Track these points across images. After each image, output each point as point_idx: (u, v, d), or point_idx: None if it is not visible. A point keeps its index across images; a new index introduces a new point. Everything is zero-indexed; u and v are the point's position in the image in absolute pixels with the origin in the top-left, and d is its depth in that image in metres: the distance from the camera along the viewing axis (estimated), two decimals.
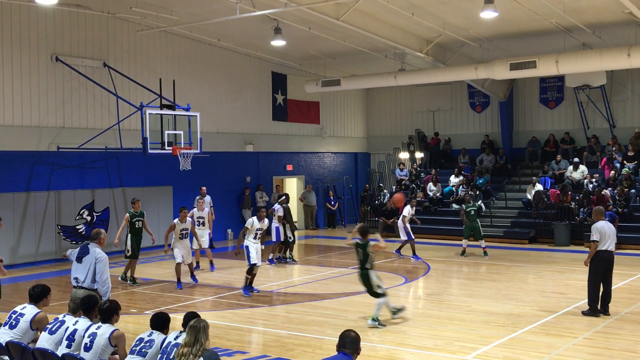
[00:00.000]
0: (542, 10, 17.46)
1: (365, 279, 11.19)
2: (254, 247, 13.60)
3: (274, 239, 17.76)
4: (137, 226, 15.35)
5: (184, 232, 14.89)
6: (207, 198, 20.56)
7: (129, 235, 15.26)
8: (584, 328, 10.71)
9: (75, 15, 18.96)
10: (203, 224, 16.63)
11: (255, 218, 13.71)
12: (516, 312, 11.92)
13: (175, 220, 15.02)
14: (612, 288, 11.76)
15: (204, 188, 20.45)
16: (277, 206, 17.89)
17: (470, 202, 19.09)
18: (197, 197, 20.31)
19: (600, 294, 11.50)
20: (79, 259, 8.88)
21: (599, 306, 11.45)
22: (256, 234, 13.65)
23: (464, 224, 19.07)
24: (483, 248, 18.68)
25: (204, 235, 16.46)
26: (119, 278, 15.19)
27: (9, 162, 17.73)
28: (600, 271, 11.44)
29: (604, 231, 11.38)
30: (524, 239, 21.56)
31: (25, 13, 17.94)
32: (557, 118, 25.75)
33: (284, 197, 18.28)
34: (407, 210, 18.84)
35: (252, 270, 13.62)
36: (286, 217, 17.79)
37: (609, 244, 11.39)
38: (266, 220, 13.96)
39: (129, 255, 15.25)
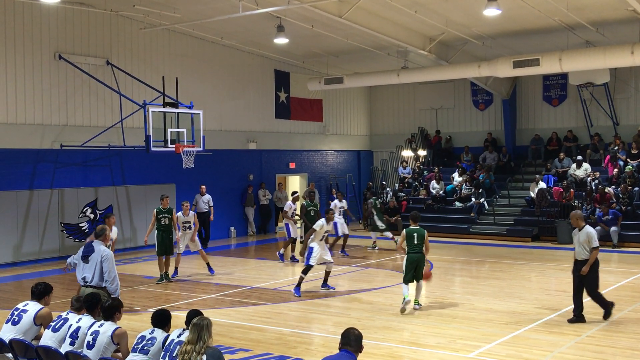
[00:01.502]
0: (546, 8, 17.42)
1: (422, 263, 11.90)
2: (318, 249, 13.46)
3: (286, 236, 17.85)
4: (163, 223, 15.24)
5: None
6: (207, 197, 20.61)
7: (157, 231, 15.22)
8: (587, 326, 10.70)
9: (78, 13, 18.97)
10: (190, 227, 15.89)
11: (324, 220, 13.67)
12: (519, 310, 11.92)
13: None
14: (616, 286, 11.75)
15: (204, 187, 20.52)
16: (289, 204, 17.90)
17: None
18: (197, 195, 20.45)
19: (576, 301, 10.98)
20: (85, 258, 8.87)
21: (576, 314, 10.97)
22: (323, 236, 13.57)
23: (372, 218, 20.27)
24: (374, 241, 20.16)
25: (186, 241, 15.91)
26: (157, 282, 15.09)
27: (13, 159, 17.75)
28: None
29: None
30: (527, 237, 21.54)
31: (28, 11, 17.95)
32: (560, 116, 25.70)
33: (297, 194, 18.37)
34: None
35: (308, 270, 13.52)
36: (303, 215, 17.87)
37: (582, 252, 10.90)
38: (332, 222, 14.11)
39: (157, 252, 15.20)
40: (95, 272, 8.75)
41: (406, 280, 11.89)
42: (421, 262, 11.96)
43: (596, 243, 10.77)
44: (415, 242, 11.89)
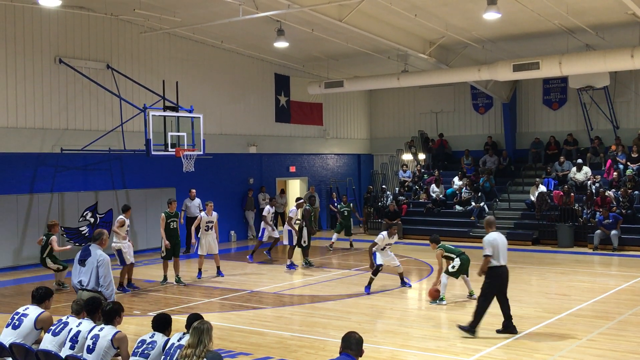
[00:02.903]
0: (545, 12, 17.44)
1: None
2: (380, 256, 14.21)
3: (285, 241, 17.77)
4: (172, 227, 15.28)
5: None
6: (197, 201, 20.60)
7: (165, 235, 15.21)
8: (587, 330, 10.69)
9: (78, 17, 19.00)
10: (212, 228, 16.25)
11: (385, 233, 14.17)
12: (519, 313, 11.87)
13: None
14: (617, 289, 11.70)
15: (194, 191, 20.53)
16: (293, 209, 17.83)
17: (346, 204, 21.97)
18: (186, 200, 20.45)
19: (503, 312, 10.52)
20: (82, 262, 8.80)
21: (478, 325, 10.35)
22: (385, 247, 14.22)
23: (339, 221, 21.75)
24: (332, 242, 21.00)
25: (209, 241, 16.22)
26: (174, 282, 15.21)
27: (13, 163, 17.76)
28: (495, 290, 10.38)
29: (496, 244, 10.27)
30: (527, 240, 21.52)
31: (28, 15, 17.98)
32: (560, 119, 25.71)
33: (302, 200, 18.32)
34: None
35: (377, 271, 14.10)
36: (306, 221, 17.87)
37: (502, 258, 10.32)
38: (396, 236, 14.53)
39: (164, 256, 15.26)
40: (91, 276, 8.69)
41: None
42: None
43: (486, 251, 10.30)
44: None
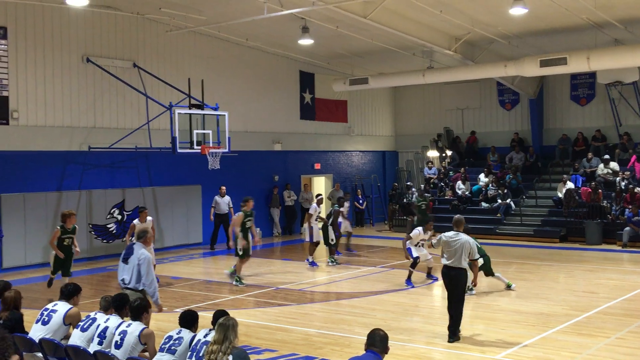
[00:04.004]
0: (573, 6, 17.23)
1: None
2: (416, 249, 14.69)
3: (306, 238, 17.73)
4: (247, 226, 14.88)
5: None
6: (227, 198, 20.68)
7: (241, 234, 14.76)
8: (616, 327, 10.56)
9: (105, 16, 19.19)
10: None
11: (421, 229, 14.74)
12: (546, 311, 11.80)
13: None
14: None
15: (224, 188, 20.56)
16: (313, 206, 17.83)
17: (422, 197, 21.38)
18: (216, 197, 20.49)
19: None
20: (125, 260, 8.94)
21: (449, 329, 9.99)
22: (419, 242, 14.75)
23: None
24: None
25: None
26: (234, 282, 14.82)
27: (42, 161, 18.00)
28: (446, 288, 10.10)
29: (446, 242, 9.94)
30: (555, 237, 21.32)
31: (57, 14, 18.20)
32: (588, 115, 25.39)
33: (321, 196, 18.31)
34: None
35: (416, 264, 14.53)
36: (334, 220, 17.83)
37: (452, 259, 9.88)
38: (430, 232, 14.91)
39: (241, 255, 14.82)
40: (133, 274, 8.80)
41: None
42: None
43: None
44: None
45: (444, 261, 10.00)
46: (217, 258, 19.49)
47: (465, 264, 9.95)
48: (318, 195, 18.64)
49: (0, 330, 2.78)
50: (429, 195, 23.47)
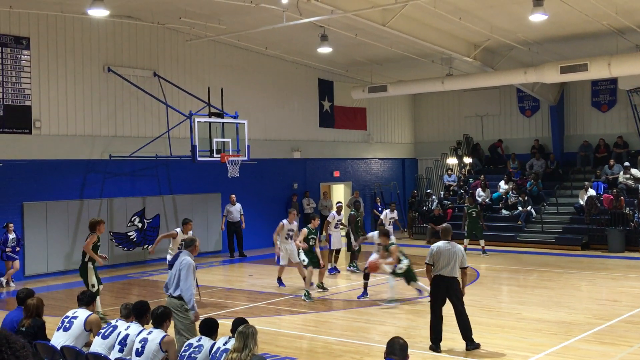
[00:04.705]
0: (593, 12, 17.11)
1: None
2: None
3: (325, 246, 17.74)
4: (311, 243, 14.38)
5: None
6: (238, 206, 20.75)
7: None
8: (639, 337, 10.42)
9: (126, 26, 19.39)
10: (291, 237, 15.32)
11: (376, 232, 14.42)
12: (568, 319, 11.68)
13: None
14: None
15: (234, 196, 20.60)
16: (332, 214, 17.86)
17: (473, 204, 20.88)
18: (227, 205, 20.51)
19: (459, 327, 9.92)
20: (171, 266, 8.95)
21: (441, 343, 9.85)
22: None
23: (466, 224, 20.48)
24: (482, 247, 20.18)
25: (294, 250, 15.19)
26: (316, 286, 14.73)
27: (64, 170, 18.19)
28: (437, 300, 9.87)
29: (438, 253, 9.77)
30: (577, 245, 21.12)
31: (78, 25, 18.42)
32: (609, 121, 25.16)
33: (340, 204, 18.32)
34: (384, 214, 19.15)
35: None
36: (351, 226, 17.89)
37: (445, 268, 9.74)
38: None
39: (306, 265, 14.51)
40: (174, 280, 8.78)
41: None
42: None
43: (426, 260, 9.92)
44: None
45: (438, 272, 9.79)
46: (236, 266, 19.53)
47: (458, 273, 9.89)
48: (338, 202, 18.65)
49: (19, 338, 2.79)
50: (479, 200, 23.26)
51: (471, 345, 9.81)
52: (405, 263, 13.53)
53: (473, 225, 20.31)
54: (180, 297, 8.69)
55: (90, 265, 12.40)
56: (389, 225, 18.93)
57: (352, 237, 17.75)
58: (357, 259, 17.84)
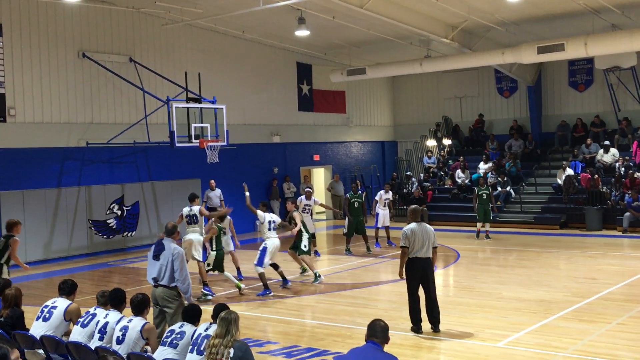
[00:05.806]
0: None
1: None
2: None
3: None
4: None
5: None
6: (218, 191, 20.65)
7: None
8: (617, 313, 10.57)
9: (100, 11, 19.12)
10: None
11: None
12: (547, 298, 11.81)
13: (302, 197, 17.12)
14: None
15: (213, 181, 20.52)
16: (300, 197, 17.76)
17: (484, 186, 20.17)
18: (207, 191, 20.46)
19: (426, 307, 9.94)
20: (156, 257, 8.59)
21: (422, 323, 9.91)
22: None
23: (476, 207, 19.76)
24: (487, 231, 19.70)
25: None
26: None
27: (40, 158, 17.98)
28: (415, 283, 9.87)
29: (413, 235, 9.70)
30: (555, 224, 21.32)
31: (52, 10, 18.13)
32: (587, 101, 25.34)
33: (308, 189, 18.34)
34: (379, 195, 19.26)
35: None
36: (346, 207, 18.32)
37: (420, 250, 9.73)
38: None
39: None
40: (166, 271, 8.52)
41: None
42: None
43: (401, 242, 9.81)
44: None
45: (414, 254, 9.74)
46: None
47: (431, 253, 9.89)
48: (307, 188, 18.94)
49: None
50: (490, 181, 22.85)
51: (437, 328, 9.86)
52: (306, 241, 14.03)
53: (484, 207, 19.51)
54: (173, 287, 8.56)
55: (5, 268, 11.05)
56: (384, 206, 18.99)
57: (346, 220, 18.03)
58: (349, 243, 18.01)
